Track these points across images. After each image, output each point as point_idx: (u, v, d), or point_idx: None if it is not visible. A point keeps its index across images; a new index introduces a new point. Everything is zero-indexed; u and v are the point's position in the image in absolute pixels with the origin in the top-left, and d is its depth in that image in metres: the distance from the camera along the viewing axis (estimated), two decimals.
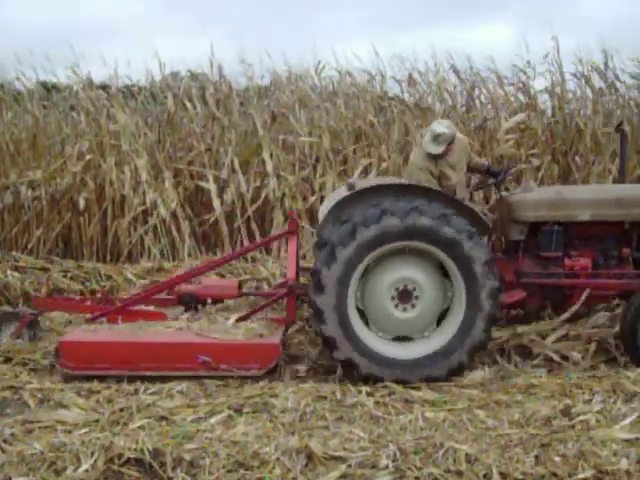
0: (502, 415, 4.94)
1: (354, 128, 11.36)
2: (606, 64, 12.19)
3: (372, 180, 7.75)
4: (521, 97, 12.28)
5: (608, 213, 6.45)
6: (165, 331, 6.26)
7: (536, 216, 6.48)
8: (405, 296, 5.86)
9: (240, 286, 7.12)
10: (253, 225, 10.58)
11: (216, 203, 10.55)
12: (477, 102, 12.21)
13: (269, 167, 10.67)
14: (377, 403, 5.16)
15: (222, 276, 8.99)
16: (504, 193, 7.02)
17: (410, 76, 12.27)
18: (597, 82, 12.27)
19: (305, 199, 10.77)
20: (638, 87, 12.44)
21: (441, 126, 6.50)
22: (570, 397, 5.29)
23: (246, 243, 10.39)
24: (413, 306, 5.88)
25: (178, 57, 15.69)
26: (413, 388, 5.51)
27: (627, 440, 4.48)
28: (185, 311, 6.83)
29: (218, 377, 5.80)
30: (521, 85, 12.22)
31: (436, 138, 6.44)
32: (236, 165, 10.83)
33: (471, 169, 7.14)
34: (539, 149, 11.18)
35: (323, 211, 6.54)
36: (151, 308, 6.93)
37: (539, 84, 12.39)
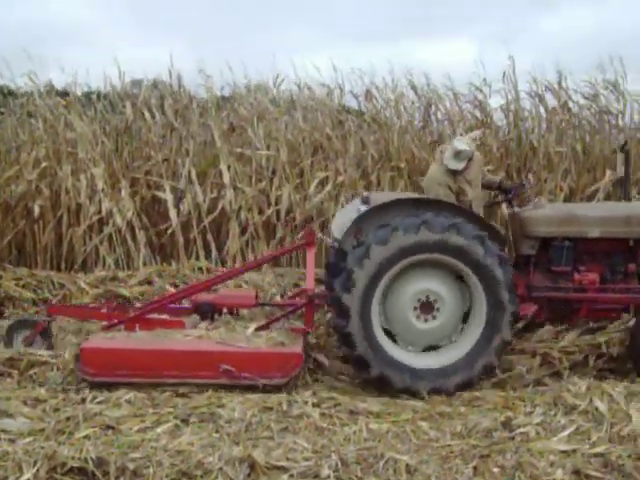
0: (445, 427, 5.04)
1: (311, 141, 11.45)
2: (560, 84, 12.47)
3: (387, 194, 7.97)
4: (477, 114, 12.49)
5: (616, 230, 6.70)
6: (186, 339, 6.26)
7: (547, 232, 6.72)
8: (427, 307, 6.06)
9: (257, 296, 7.19)
10: (209, 236, 10.60)
11: (172, 213, 10.55)
12: (433, 118, 12.38)
13: (226, 179, 10.70)
14: (323, 414, 5.20)
15: (176, 286, 9.02)
16: (517, 209, 7.19)
17: (368, 91, 12.44)
18: (551, 101, 12.56)
19: (261, 211, 10.83)
20: (589, 107, 12.74)
21: (462, 143, 6.82)
22: (512, 409, 5.40)
23: (201, 254, 10.41)
24: (434, 317, 6.08)
25: (138, 65, 15.78)
26: (358, 399, 5.58)
27: (564, 451, 4.60)
28: (201, 320, 6.84)
29: (170, 386, 5.81)
30: (477, 102, 12.44)
31: (457, 155, 6.76)
32: (193, 176, 10.84)
33: (483, 185, 7.33)
34: (494, 165, 11.36)
35: (340, 224, 6.76)
36: (165, 316, 6.94)
37: (495, 102, 12.66)
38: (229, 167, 10.83)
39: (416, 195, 7.09)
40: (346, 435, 4.84)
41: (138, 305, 7.64)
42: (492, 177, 7.68)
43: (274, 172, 11.13)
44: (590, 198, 11.26)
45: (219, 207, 10.74)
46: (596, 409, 5.25)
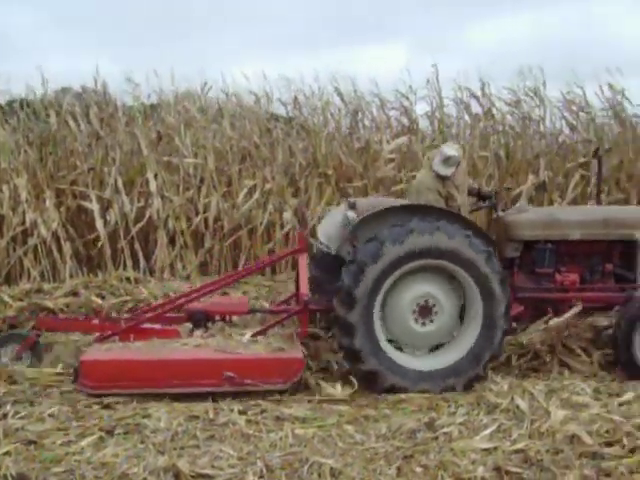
0: (370, 429, 5.10)
1: (239, 149, 11.44)
2: (483, 91, 12.77)
3: (372, 200, 8.10)
4: (404, 121, 12.67)
5: (595, 232, 7.01)
6: (185, 348, 6.18)
7: (531, 235, 6.96)
8: (425, 311, 6.16)
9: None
10: (137, 245, 10.49)
11: (99, 223, 10.40)
12: (360, 125, 12.51)
13: (153, 187, 10.61)
14: (249, 421, 5.22)
15: (103, 297, 8.89)
16: (500, 213, 7.33)
17: (296, 98, 12.52)
18: (475, 108, 12.84)
19: (189, 220, 10.77)
20: (512, 114, 13.07)
21: (451, 149, 6.97)
22: (436, 410, 5.51)
23: (129, 264, 10.29)
24: (432, 321, 6.18)
25: (64, 73, 15.54)
26: (285, 405, 5.60)
27: (486, 449, 4.71)
28: (194, 329, 6.75)
29: (94, 397, 5.73)
30: (403, 109, 12.63)
31: (447, 161, 6.88)
32: (120, 185, 10.73)
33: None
34: (419, 171, 11.52)
35: (327, 229, 6.95)
36: (157, 326, 6.84)
37: (421, 108, 12.87)
38: (156, 176, 10.75)
39: (404, 202, 7.12)
40: (272, 441, 4.86)
41: (127, 316, 7.49)
42: (471, 183, 7.89)
43: (202, 180, 11.09)
44: (513, 202, 11.51)
45: (146, 216, 10.65)
46: (517, 407, 5.41)
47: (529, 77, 12.77)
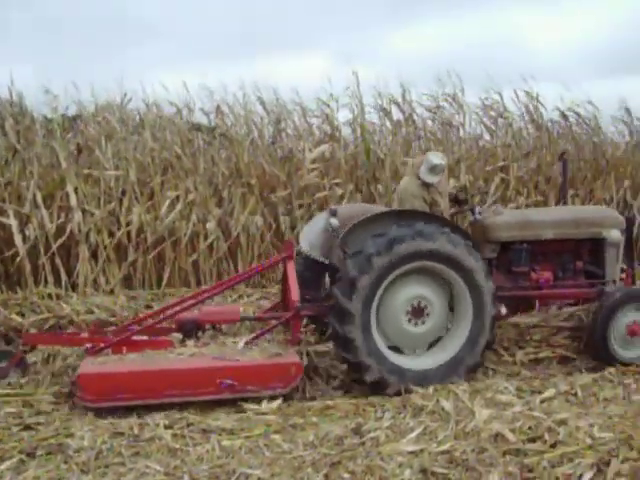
0: (297, 438, 5.10)
1: (161, 160, 11.29)
2: (404, 97, 12.94)
3: (352, 207, 8.58)
4: (326, 128, 12.72)
5: (566, 232, 7.42)
6: (181, 358, 6.23)
7: (508, 236, 7.29)
8: (418, 312, 6.44)
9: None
10: (58, 261, 10.22)
11: (18, 239, 10.10)
12: (283, 134, 12.51)
13: (73, 201, 10.36)
14: (175, 435, 5.16)
15: (23, 315, 8.66)
16: (477, 216, 7.53)
17: (218, 107, 12.44)
18: (396, 114, 13.00)
19: (112, 233, 10.56)
20: (433, 119, 13.29)
21: (437, 158, 7.22)
22: (362, 416, 5.55)
23: (50, 280, 10.03)
24: (423, 322, 6.46)
25: None
26: (211, 417, 5.56)
27: (412, 452, 4.76)
28: (184, 338, 6.75)
29: (13, 418, 5.58)
30: (325, 117, 12.69)
31: (433, 169, 7.14)
32: (39, 199, 10.44)
33: None
34: (342, 178, 11.62)
35: (309, 237, 7.30)
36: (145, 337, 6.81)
37: (343, 116, 12.94)
38: (76, 189, 10.51)
39: (384, 209, 7.65)
40: (199, 454, 4.82)
41: (113, 328, 7.46)
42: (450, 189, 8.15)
43: (124, 192, 10.89)
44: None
45: (67, 231, 10.38)
46: (442, 408, 5.50)
47: (448, 84, 13.04)
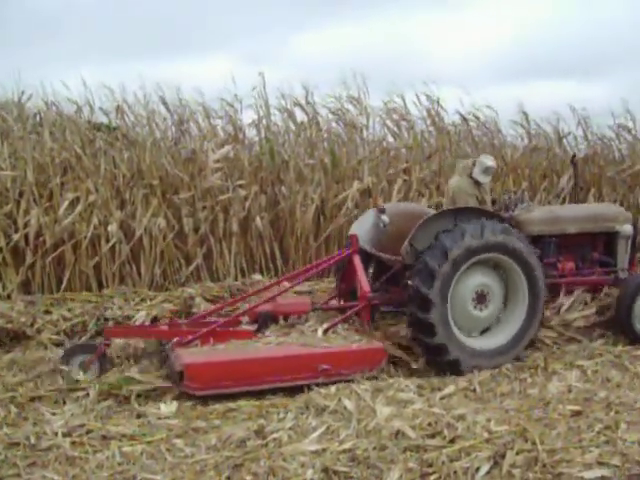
0: (200, 441, 5.08)
1: (61, 160, 10.95)
2: (307, 99, 12.99)
3: (399, 206, 9.58)
4: (230, 129, 12.65)
5: (587, 226, 8.35)
6: (272, 346, 6.76)
7: (538, 230, 8.08)
8: (482, 298, 7.19)
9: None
10: None
11: None
12: (187, 134, 12.36)
13: None
14: (73, 443, 5.05)
15: None
16: (511, 213, 8.23)
17: (119, 107, 12.18)
18: (300, 116, 13.03)
19: (8, 236, 10.19)
20: (337, 120, 13.40)
21: (490, 160, 8.37)
22: (265, 417, 5.56)
23: None
24: (486, 306, 7.22)
25: None
26: (111, 423, 5.45)
27: (315, 452, 4.82)
28: (258, 329, 7.23)
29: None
30: (229, 118, 12.61)
31: (486, 170, 8.30)
32: None
33: None
34: (246, 180, 11.58)
35: (361, 234, 8.08)
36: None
37: (248, 117, 12.88)
38: None
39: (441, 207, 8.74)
40: (99, 462, 4.74)
41: (183, 320, 7.84)
42: None
43: (21, 194, 10.52)
44: (340, 207, 11.83)
45: None
46: (345, 408, 5.58)
47: (352, 86, 13.16)
